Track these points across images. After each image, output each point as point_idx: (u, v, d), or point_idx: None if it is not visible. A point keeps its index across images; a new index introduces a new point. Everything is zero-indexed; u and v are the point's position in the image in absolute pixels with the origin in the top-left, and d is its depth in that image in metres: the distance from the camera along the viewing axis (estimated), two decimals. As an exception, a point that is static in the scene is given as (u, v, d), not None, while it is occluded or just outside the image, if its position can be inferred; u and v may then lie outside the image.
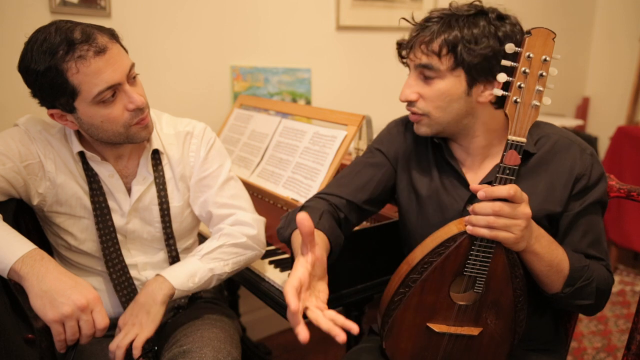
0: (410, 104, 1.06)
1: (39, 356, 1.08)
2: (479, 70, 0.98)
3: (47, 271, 0.91)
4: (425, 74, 1.02)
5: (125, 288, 1.19)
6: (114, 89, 1.03)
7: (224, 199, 1.24)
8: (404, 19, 1.09)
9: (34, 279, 0.90)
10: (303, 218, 0.79)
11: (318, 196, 1.17)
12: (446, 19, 0.99)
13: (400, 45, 1.09)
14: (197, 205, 1.26)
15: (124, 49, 1.08)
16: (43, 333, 0.89)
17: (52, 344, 1.16)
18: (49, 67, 0.98)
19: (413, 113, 1.07)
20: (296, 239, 1.02)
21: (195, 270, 1.13)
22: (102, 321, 0.92)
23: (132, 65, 1.07)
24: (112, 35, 1.05)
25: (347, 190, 1.16)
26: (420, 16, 1.08)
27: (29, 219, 1.22)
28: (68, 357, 0.95)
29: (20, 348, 0.95)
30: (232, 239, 1.19)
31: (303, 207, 1.12)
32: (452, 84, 1.00)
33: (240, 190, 1.29)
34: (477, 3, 1.02)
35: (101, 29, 1.04)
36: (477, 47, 0.96)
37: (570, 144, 1.05)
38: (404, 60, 1.10)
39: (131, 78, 1.07)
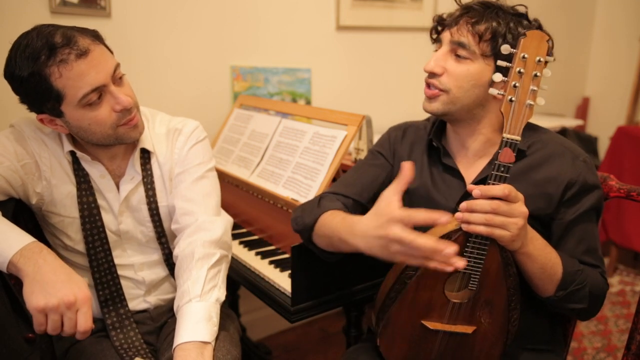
0: (432, 76, 1.06)
1: (39, 356, 1.08)
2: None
3: (45, 262, 0.90)
4: (458, 52, 1.02)
5: (107, 288, 1.19)
6: (100, 91, 1.03)
7: (193, 194, 1.20)
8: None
9: (30, 269, 0.89)
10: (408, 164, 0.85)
11: (325, 195, 1.18)
12: (494, 9, 1.02)
13: (440, 20, 1.09)
14: (172, 201, 1.23)
15: (109, 49, 1.08)
16: (45, 336, 0.88)
17: (52, 344, 1.17)
18: (32, 72, 0.97)
19: (431, 87, 1.06)
20: (331, 218, 1.06)
21: (207, 312, 1.04)
22: (84, 324, 0.89)
23: (117, 66, 1.06)
24: (95, 36, 1.05)
25: (353, 190, 1.18)
26: (425, 16, 1.09)
27: (28, 219, 1.22)
28: (42, 340, 0.93)
29: (20, 347, 0.96)
30: (207, 259, 1.10)
31: (319, 199, 1.16)
32: (481, 69, 1.01)
33: (212, 189, 1.24)
34: (522, 7, 1.06)
35: (83, 31, 1.03)
36: (516, 42, 0.98)
37: (564, 150, 1.05)
38: (436, 36, 1.10)
39: (117, 78, 1.06)
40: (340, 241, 1.01)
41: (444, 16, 1.08)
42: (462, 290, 0.98)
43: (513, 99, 0.89)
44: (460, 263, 0.86)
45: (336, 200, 1.15)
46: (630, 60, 3.40)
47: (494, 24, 1.00)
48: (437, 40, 1.10)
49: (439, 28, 1.09)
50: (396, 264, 1.01)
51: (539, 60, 0.88)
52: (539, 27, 1.04)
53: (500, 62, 0.90)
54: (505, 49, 0.89)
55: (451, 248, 0.82)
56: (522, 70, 0.88)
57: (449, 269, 0.87)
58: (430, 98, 1.07)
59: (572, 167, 1.03)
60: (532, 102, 0.89)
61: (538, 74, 0.88)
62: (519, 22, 1.02)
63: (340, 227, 1.00)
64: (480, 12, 1.02)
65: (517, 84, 0.88)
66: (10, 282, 1.01)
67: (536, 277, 0.98)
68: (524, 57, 0.88)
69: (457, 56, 1.03)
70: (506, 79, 0.89)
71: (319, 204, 1.13)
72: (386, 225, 0.84)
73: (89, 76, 1.00)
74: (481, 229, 0.89)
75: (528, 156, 1.05)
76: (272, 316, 2.19)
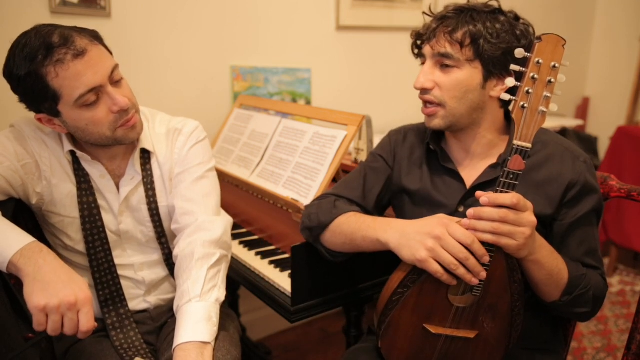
0: (424, 92, 1.06)
1: (39, 356, 1.09)
2: (496, 64, 1.01)
3: (45, 262, 0.90)
4: (443, 62, 1.03)
5: (107, 288, 1.19)
6: (97, 92, 1.02)
7: (193, 194, 1.19)
8: (425, 13, 1.11)
9: (30, 269, 0.89)
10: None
11: (329, 196, 1.19)
12: (467, 12, 1.02)
13: (418, 35, 1.09)
14: (171, 201, 1.23)
15: (108, 50, 1.08)
16: (43, 333, 0.89)
17: (52, 344, 1.17)
18: (29, 72, 0.98)
19: (428, 104, 1.07)
20: (355, 218, 1.08)
21: (207, 312, 1.04)
22: (86, 324, 0.89)
23: (116, 67, 1.06)
24: (94, 37, 1.05)
25: (357, 194, 1.19)
26: (425, 16, 1.11)
27: (28, 219, 1.22)
28: (37, 337, 0.93)
29: (20, 347, 0.96)
30: (207, 259, 1.10)
31: (328, 198, 1.18)
32: (469, 74, 1.01)
33: (212, 189, 1.24)
34: (494, 3, 1.06)
35: (82, 31, 1.03)
36: (498, 41, 0.99)
37: (564, 151, 1.06)
38: (418, 51, 1.11)
39: (115, 79, 1.06)
40: (362, 239, 1.04)
41: (421, 31, 1.08)
42: (465, 294, 0.98)
43: (525, 105, 0.86)
44: (483, 274, 0.91)
45: (351, 204, 1.17)
46: (630, 60, 3.40)
47: (471, 27, 1.00)
48: (419, 55, 1.11)
49: (419, 43, 1.10)
50: (400, 266, 1.00)
51: (554, 66, 0.85)
52: (516, 18, 1.04)
53: (513, 67, 0.87)
54: (519, 52, 0.86)
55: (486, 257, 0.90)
56: (535, 76, 0.85)
57: (474, 281, 0.90)
58: (429, 116, 1.07)
59: (573, 167, 1.03)
60: (544, 109, 0.86)
61: (552, 80, 0.85)
62: (495, 19, 1.01)
63: (369, 225, 1.04)
64: (455, 19, 1.02)
65: (530, 90, 0.85)
66: (10, 282, 1.01)
67: (542, 283, 0.98)
68: (538, 62, 0.84)
69: (444, 66, 1.03)
70: (519, 84, 0.86)
71: (335, 205, 1.14)
72: (436, 220, 0.93)
73: (85, 77, 1.00)
74: (488, 237, 0.88)
75: (529, 157, 1.05)
76: (272, 316, 2.19)
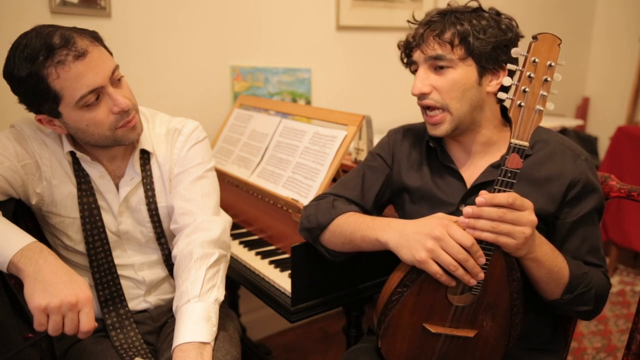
0: (422, 97, 1.06)
1: (39, 356, 1.09)
2: (488, 59, 1.02)
3: (46, 263, 0.91)
4: (437, 65, 1.03)
5: (107, 288, 1.19)
6: (97, 93, 1.03)
7: (192, 194, 1.19)
8: (409, 21, 1.12)
9: (31, 269, 0.89)
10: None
11: (327, 196, 1.19)
12: (451, 14, 1.04)
13: (407, 44, 1.10)
14: (171, 201, 1.23)
15: (108, 51, 1.08)
16: (43, 332, 0.89)
17: (52, 344, 1.17)
18: (30, 73, 0.98)
19: (429, 110, 1.06)
20: (354, 218, 1.08)
21: (206, 312, 1.04)
22: (86, 324, 0.89)
23: (116, 67, 1.06)
24: (94, 37, 1.05)
25: (355, 193, 1.19)
26: (419, 17, 1.11)
27: (28, 219, 1.22)
28: (37, 337, 0.93)
29: (19, 346, 0.96)
30: (206, 259, 1.10)
31: (327, 198, 1.18)
32: (464, 73, 1.02)
33: (212, 189, 1.23)
34: (473, 3, 1.07)
35: (82, 32, 1.03)
36: (486, 36, 1.01)
37: (565, 149, 1.06)
38: (408, 60, 1.11)
39: (115, 80, 1.06)
40: (361, 239, 1.04)
41: (409, 38, 1.09)
42: (464, 293, 0.98)
43: (522, 104, 0.86)
44: (481, 275, 0.91)
45: (350, 203, 1.17)
46: (630, 60, 3.40)
47: (458, 27, 1.01)
48: (410, 63, 1.11)
49: (408, 51, 1.10)
50: (400, 266, 1.00)
51: (550, 65, 0.86)
52: (497, 14, 1.05)
53: (510, 66, 0.89)
54: (515, 52, 0.87)
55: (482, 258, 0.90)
56: (532, 74, 0.86)
57: (472, 282, 0.91)
58: (435, 124, 1.07)
59: (574, 166, 1.03)
60: (541, 108, 0.87)
61: (548, 78, 0.86)
62: (480, 15, 1.03)
63: (368, 225, 1.04)
64: (440, 22, 1.03)
65: (526, 89, 0.86)
66: (10, 282, 1.01)
67: (543, 281, 0.98)
68: (534, 61, 0.85)
69: (438, 69, 1.04)
70: (515, 83, 0.87)
71: (334, 205, 1.14)
72: (435, 221, 0.93)
73: (86, 77, 1.00)
74: (487, 236, 0.88)
75: (530, 155, 1.05)
76: (272, 316, 2.19)
